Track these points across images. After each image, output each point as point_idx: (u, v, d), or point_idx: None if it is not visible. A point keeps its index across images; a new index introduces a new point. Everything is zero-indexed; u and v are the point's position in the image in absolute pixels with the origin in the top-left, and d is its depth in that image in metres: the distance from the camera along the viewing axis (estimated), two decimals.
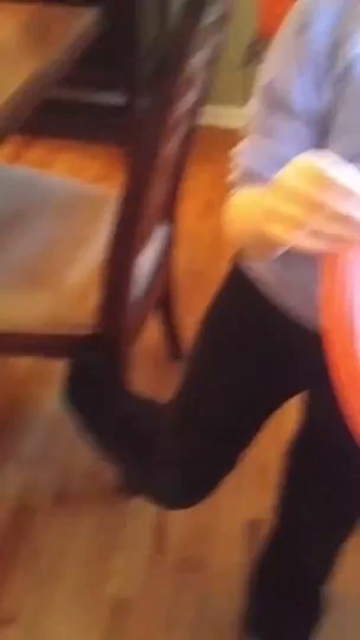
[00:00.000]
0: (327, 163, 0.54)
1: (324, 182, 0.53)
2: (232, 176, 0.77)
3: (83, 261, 1.27)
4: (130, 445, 1.14)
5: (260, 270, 0.86)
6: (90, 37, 1.37)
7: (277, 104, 0.72)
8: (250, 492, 1.41)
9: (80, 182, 1.69)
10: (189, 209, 1.55)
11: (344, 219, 0.54)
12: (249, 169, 0.74)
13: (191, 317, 1.71)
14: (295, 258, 0.61)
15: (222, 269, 0.95)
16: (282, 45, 0.71)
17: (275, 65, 0.72)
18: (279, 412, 0.98)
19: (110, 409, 1.20)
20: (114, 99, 2.35)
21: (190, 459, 1.00)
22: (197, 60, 1.04)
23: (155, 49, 2.41)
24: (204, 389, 0.97)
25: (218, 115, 2.35)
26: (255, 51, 2.17)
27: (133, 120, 2.32)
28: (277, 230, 0.56)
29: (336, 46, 0.67)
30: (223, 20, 1.11)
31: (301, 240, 0.55)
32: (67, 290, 1.22)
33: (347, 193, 0.53)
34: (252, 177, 0.73)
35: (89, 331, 1.19)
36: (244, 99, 2.34)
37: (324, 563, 1.07)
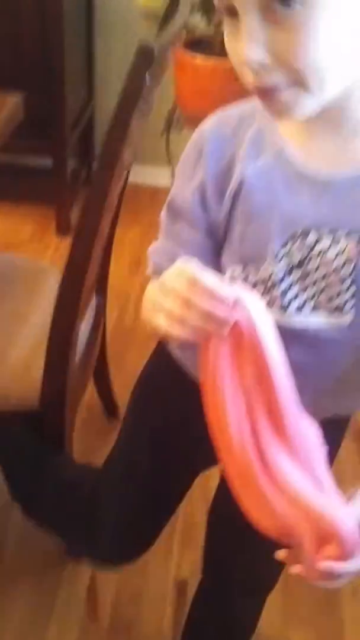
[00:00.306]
0: (198, 269, 0.64)
1: (194, 284, 0.63)
2: (147, 270, 0.87)
3: (23, 337, 1.31)
4: (70, 512, 1.17)
5: (179, 355, 0.95)
6: (15, 123, 1.41)
7: (179, 215, 0.82)
8: (179, 551, 1.44)
9: (12, 256, 1.72)
10: (117, 267, 1.63)
11: (207, 315, 0.63)
12: (158, 266, 0.84)
13: (123, 373, 1.77)
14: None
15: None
16: (184, 166, 0.82)
17: (178, 183, 0.83)
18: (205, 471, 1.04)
19: (47, 478, 1.23)
20: (43, 161, 2.43)
21: (128, 518, 1.05)
22: (128, 152, 1.13)
23: (82, 116, 2.53)
24: (136, 450, 1.03)
25: (144, 175, 2.47)
26: (173, 119, 2.31)
27: (62, 181, 2.41)
28: (157, 320, 0.67)
29: (229, 168, 0.78)
30: (144, 117, 1.21)
31: (174, 329, 0.65)
32: (9, 367, 1.25)
33: (211, 294, 0.63)
34: (160, 273, 0.82)
35: (34, 405, 1.22)
36: (166, 159, 2.49)
37: (250, 617, 1.12)
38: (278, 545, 0.70)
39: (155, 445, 1.00)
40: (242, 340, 0.65)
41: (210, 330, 0.65)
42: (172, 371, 0.95)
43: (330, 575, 0.66)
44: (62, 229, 2.47)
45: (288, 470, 0.66)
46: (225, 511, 1.04)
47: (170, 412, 0.98)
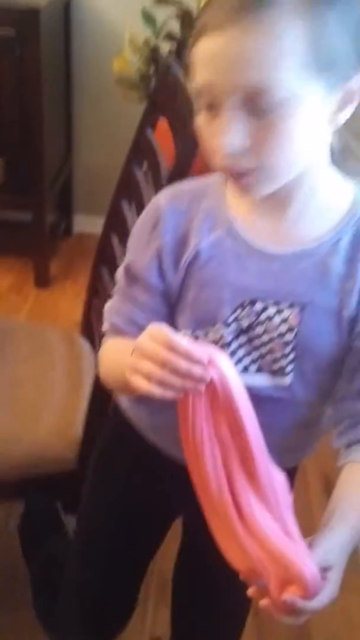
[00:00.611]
0: (171, 331, 0.68)
1: (169, 345, 0.67)
2: (103, 327, 0.91)
3: (48, 399, 1.33)
4: (45, 586, 1.20)
5: (133, 415, 0.98)
6: None
7: (135, 279, 0.87)
8: (154, 608, 1.44)
9: (15, 320, 1.76)
10: None
11: (185, 375, 0.67)
12: (115, 325, 0.89)
13: None
14: (159, 405, 0.73)
15: None
16: (140, 235, 0.87)
17: (134, 250, 0.88)
18: (177, 531, 1.07)
19: (42, 547, 1.27)
20: (23, 215, 2.51)
21: (90, 597, 1.06)
22: None
23: (61, 173, 2.63)
24: (95, 523, 1.06)
25: None
26: None
27: (41, 235, 2.49)
28: (136, 382, 0.70)
29: (183, 240, 0.83)
30: None
31: (154, 389, 0.68)
32: (44, 430, 1.27)
33: (187, 355, 0.67)
34: (117, 332, 0.88)
35: (71, 465, 1.24)
36: None
37: None
38: (242, 594, 0.74)
39: (115, 504, 1.03)
40: (217, 396, 0.70)
41: (188, 388, 0.68)
42: (125, 437, 1.00)
43: (293, 611, 0.70)
44: (41, 281, 2.54)
45: (259, 516, 0.71)
46: (194, 559, 1.08)
47: (130, 477, 1.02)
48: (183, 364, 0.67)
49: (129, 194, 1.28)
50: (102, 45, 2.50)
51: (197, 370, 0.67)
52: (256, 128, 0.69)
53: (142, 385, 0.69)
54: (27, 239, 2.51)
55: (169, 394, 0.68)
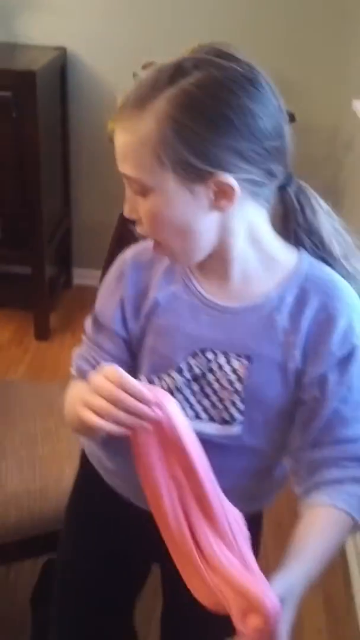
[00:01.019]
0: (123, 373, 0.73)
1: (120, 383, 0.72)
2: (71, 371, 0.96)
3: (67, 452, 1.36)
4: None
5: (95, 461, 1.02)
6: None
7: (101, 327, 0.93)
8: None
9: (15, 378, 1.77)
10: None
11: (133, 412, 0.72)
12: (80, 369, 0.94)
13: None
14: (114, 450, 0.76)
15: None
16: (107, 286, 0.95)
17: (101, 300, 0.95)
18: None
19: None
20: (23, 269, 2.56)
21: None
22: None
23: (59, 228, 2.69)
24: (73, 575, 1.08)
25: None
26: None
27: (40, 288, 2.53)
28: (87, 416, 0.74)
29: (144, 292, 0.90)
30: None
31: (103, 424, 0.72)
32: (69, 484, 1.25)
33: (136, 394, 0.72)
34: (82, 376, 0.91)
35: None
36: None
37: None
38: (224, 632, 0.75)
39: (89, 552, 1.06)
40: (166, 436, 0.74)
41: (136, 426, 0.73)
42: (92, 485, 1.02)
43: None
44: (41, 333, 2.57)
45: (217, 550, 0.74)
46: (175, 606, 1.10)
47: (96, 517, 1.05)
48: (131, 402, 0.72)
49: (124, 246, 1.31)
50: (97, 104, 2.59)
51: (144, 408, 0.72)
52: (141, 204, 0.81)
53: (92, 418, 0.73)
54: (28, 292, 2.55)
55: (115, 429, 0.73)
